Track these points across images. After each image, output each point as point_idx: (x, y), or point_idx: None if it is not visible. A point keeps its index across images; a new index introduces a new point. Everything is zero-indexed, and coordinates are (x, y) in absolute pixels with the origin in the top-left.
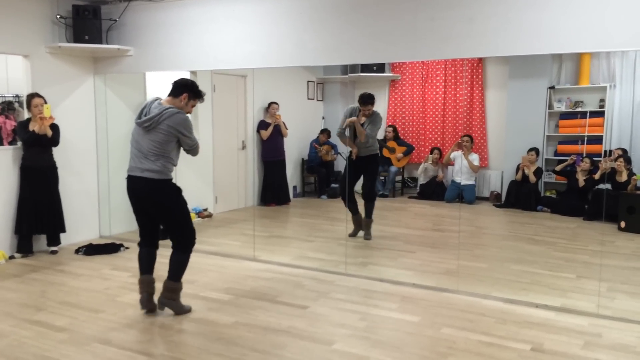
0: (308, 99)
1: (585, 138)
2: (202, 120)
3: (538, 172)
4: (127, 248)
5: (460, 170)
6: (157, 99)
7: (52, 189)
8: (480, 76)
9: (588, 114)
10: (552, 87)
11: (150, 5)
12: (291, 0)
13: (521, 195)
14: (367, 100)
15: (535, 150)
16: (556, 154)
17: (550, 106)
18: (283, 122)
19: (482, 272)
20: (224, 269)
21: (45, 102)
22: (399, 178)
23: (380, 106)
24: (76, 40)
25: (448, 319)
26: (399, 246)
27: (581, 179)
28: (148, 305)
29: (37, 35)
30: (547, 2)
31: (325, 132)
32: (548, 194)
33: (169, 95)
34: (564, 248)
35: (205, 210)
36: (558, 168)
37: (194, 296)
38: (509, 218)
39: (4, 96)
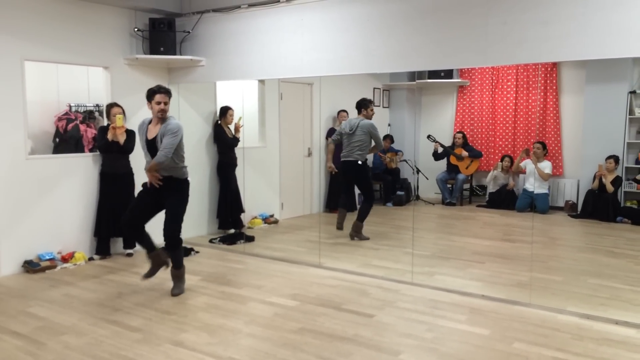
0: (374, 106)
1: None
2: (269, 127)
3: (617, 181)
4: (197, 252)
5: (534, 178)
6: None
7: (128, 194)
8: (554, 81)
9: None
10: (632, 92)
11: (221, 17)
12: (358, 8)
13: (599, 206)
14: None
15: (615, 157)
16: (637, 162)
17: (631, 112)
18: None
19: (556, 286)
20: (290, 274)
21: (123, 112)
22: (467, 186)
23: (448, 112)
24: (152, 52)
25: (520, 333)
26: (466, 256)
27: None
28: None
29: (116, 48)
30: (629, 2)
31: (387, 138)
32: (629, 204)
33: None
34: None
35: (272, 216)
36: (639, 177)
37: (261, 301)
38: (586, 229)
39: (85, 106)
